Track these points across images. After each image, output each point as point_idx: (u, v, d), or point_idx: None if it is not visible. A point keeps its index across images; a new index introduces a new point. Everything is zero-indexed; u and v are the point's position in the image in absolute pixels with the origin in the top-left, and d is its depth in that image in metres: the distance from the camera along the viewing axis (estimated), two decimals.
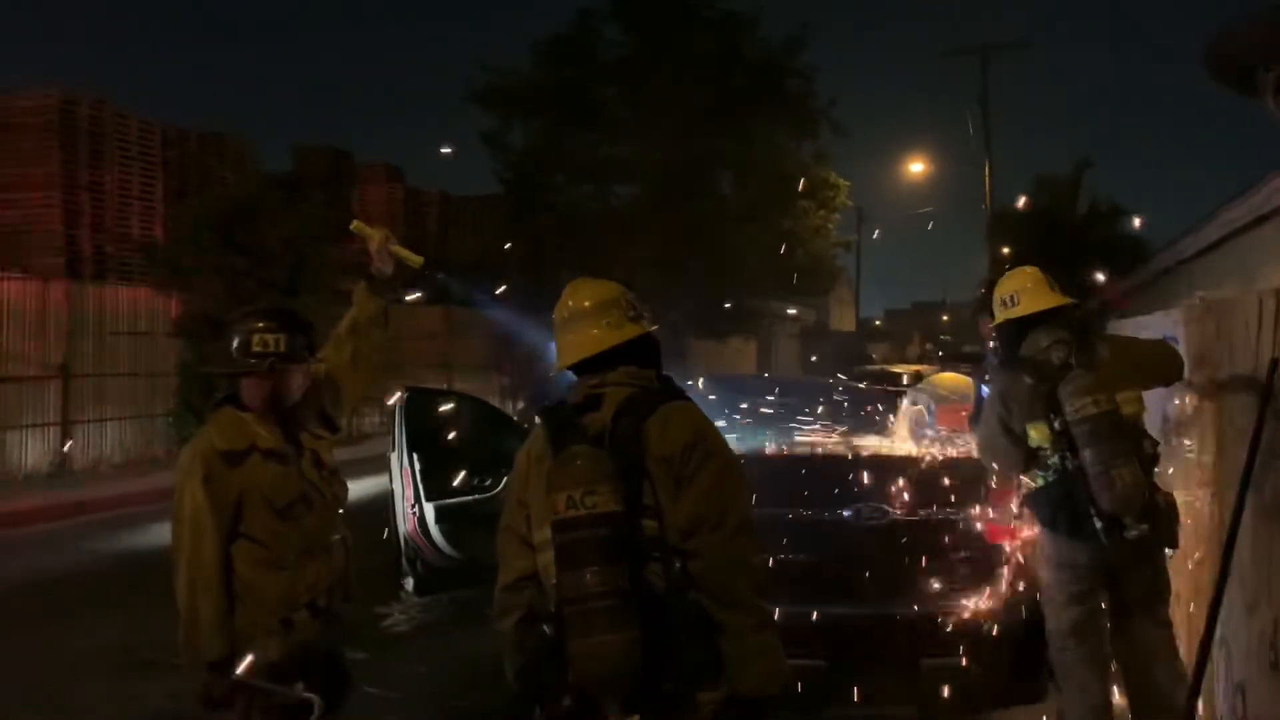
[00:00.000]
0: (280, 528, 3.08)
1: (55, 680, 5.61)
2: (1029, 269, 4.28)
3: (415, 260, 3.45)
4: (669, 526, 2.28)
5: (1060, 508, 3.93)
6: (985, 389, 5.01)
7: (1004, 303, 4.21)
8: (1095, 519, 3.81)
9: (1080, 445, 3.80)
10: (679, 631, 2.24)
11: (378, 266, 3.45)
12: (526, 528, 2.45)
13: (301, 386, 3.23)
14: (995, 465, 4.27)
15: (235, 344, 3.13)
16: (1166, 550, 4.03)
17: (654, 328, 2.58)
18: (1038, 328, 4.09)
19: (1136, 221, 17.51)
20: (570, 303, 2.57)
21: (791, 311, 38.35)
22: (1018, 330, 4.16)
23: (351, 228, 3.61)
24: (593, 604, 2.14)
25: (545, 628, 2.35)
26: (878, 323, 60.30)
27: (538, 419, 2.48)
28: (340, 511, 3.34)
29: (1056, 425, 3.90)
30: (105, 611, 6.95)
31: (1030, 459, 4.06)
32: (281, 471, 3.12)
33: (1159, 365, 4.12)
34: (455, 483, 6.83)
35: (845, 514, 4.12)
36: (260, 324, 3.14)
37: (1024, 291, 4.16)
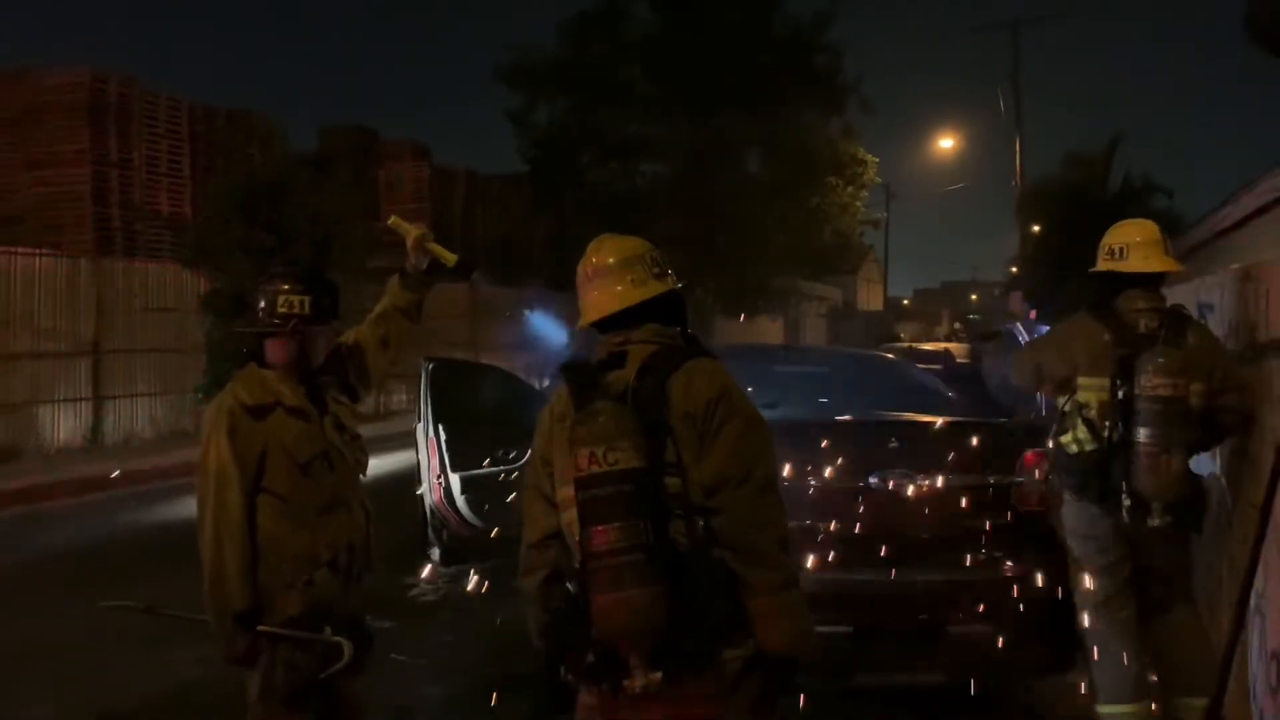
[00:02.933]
0: (302, 482, 3.11)
1: (88, 648, 5.67)
2: (1147, 223, 4.12)
3: (450, 258, 3.50)
4: (692, 484, 2.27)
5: (1093, 476, 3.86)
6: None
7: (1110, 252, 4.06)
8: (1125, 496, 3.75)
9: (1141, 422, 3.70)
10: (702, 589, 2.22)
11: (413, 262, 3.50)
12: (550, 486, 2.43)
13: (325, 348, 3.27)
14: (1016, 380, 4.22)
15: (261, 304, 3.17)
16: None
17: (679, 285, 2.54)
18: (1136, 288, 3.97)
19: (1169, 199, 17.30)
20: (594, 259, 2.53)
21: (819, 291, 38.17)
22: (1113, 284, 4.04)
23: (389, 223, 3.64)
24: (617, 559, 2.13)
25: (569, 585, 2.35)
26: (906, 302, 60.00)
27: (561, 376, 2.45)
28: (362, 477, 3.36)
29: (1120, 393, 3.80)
30: (136, 582, 7.00)
31: (1067, 417, 3.99)
32: (304, 428, 3.15)
33: (1234, 394, 3.82)
34: (480, 454, 6.84)
35: (872, 481, 4.08)
36: (286, 286, 3.17)
37: (1134, 246, 4.00)
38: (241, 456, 3.04)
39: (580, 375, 2.40)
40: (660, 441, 2.26)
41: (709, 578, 2.25)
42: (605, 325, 2.49)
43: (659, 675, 2.18)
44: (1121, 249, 4.02)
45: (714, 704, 2.30)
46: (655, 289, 2.47)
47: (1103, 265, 4.09)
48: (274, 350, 3.19)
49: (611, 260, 2.50)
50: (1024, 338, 4.68)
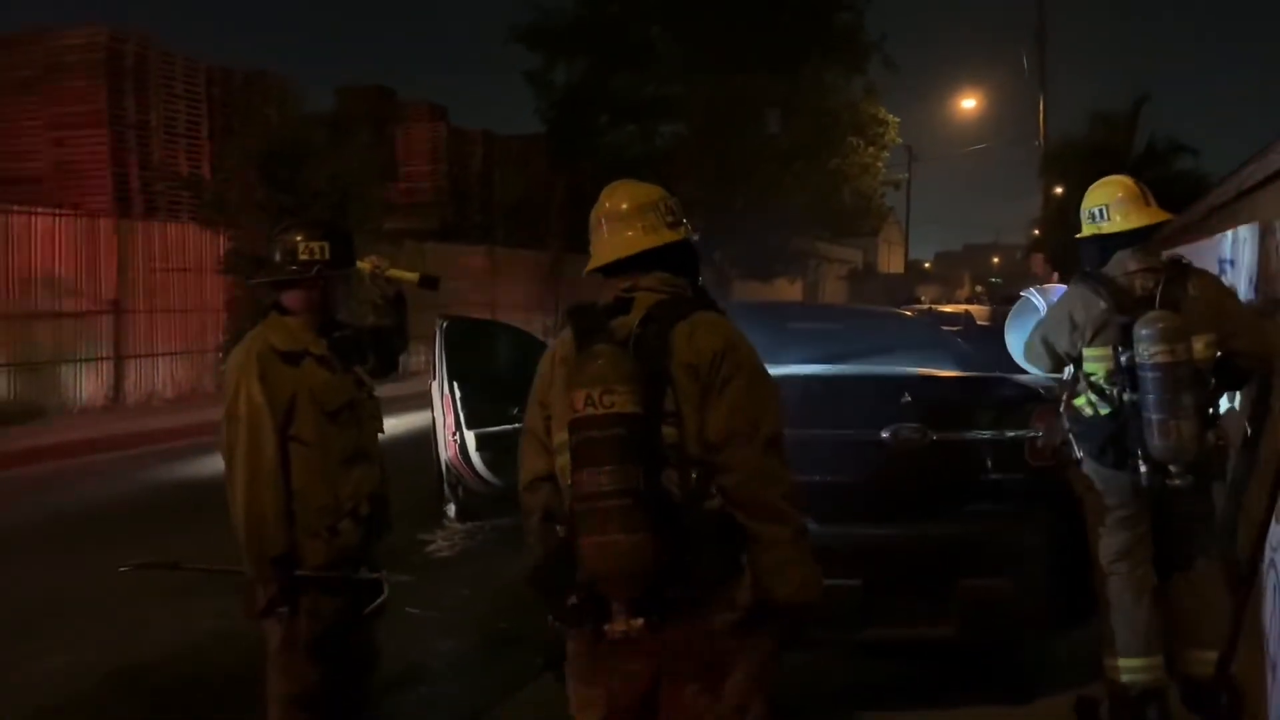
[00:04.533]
0: (329, 430, 3.11)
1: (106, 602, 5.75)
2: (1121, 179, 4.01)
3: (411, 277, 3.56)
4: (688, 435, 2.25)
5: (1111, 442, 3.82)
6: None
7: (1091, 216, 3.98)
8: (1142, 461, 3.72)
9: (1145, 390, 3.63)
10: (692, 541, 2.21)
11: (381, 292, 3.51)
12: (545, 430, 2.42)
13: (344, 297, 3.28)
14: (1030, 366, 4.18)
15: (280, 253, 3.15)
16: None
17: (694, 235, 2.51)
18: (1127, 249, 3.88)
19: (1195, 158, 17.06)
20: (607, 204, 2.50)
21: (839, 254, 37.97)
22: (1102, 248, 3.96)
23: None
24: (605, 503, 2.11)
25: (558, 528, 2.34)
26: (927, 265, 59.61)
27: (566, 319, 2.44)
28: (380, 435, 3.38)
29: (1123, 360, 3.74)
30: (158, 537, 7.10)
31: (1080, 381, 3.96)
32: (331, 378, 3.15)
33: (1248, 333, 3.77)
34: (495, 411, 6.87)
35: (884, 435, 4.05)
36: (303, 233, 3.17)
37: (1115, 205, 3.90)
38: (273, 401, 3.02)
39: (585, 319, 2.38)
40: (660, 390, 2.23)
41: (700, 530, 2.23)
42: (615, 270, 2.47)
43: (640, 622, 2.16)
44: (1102, 210, 3.94)
45: (699, 660, 2.29)
46: (667, 237, 2.44)
47: (1087, 231, 4.01)
48: (294, 300, 3.17)
49: (625, 205, 2.47)
50: (1040, 303, 4.60)
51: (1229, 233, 4.76)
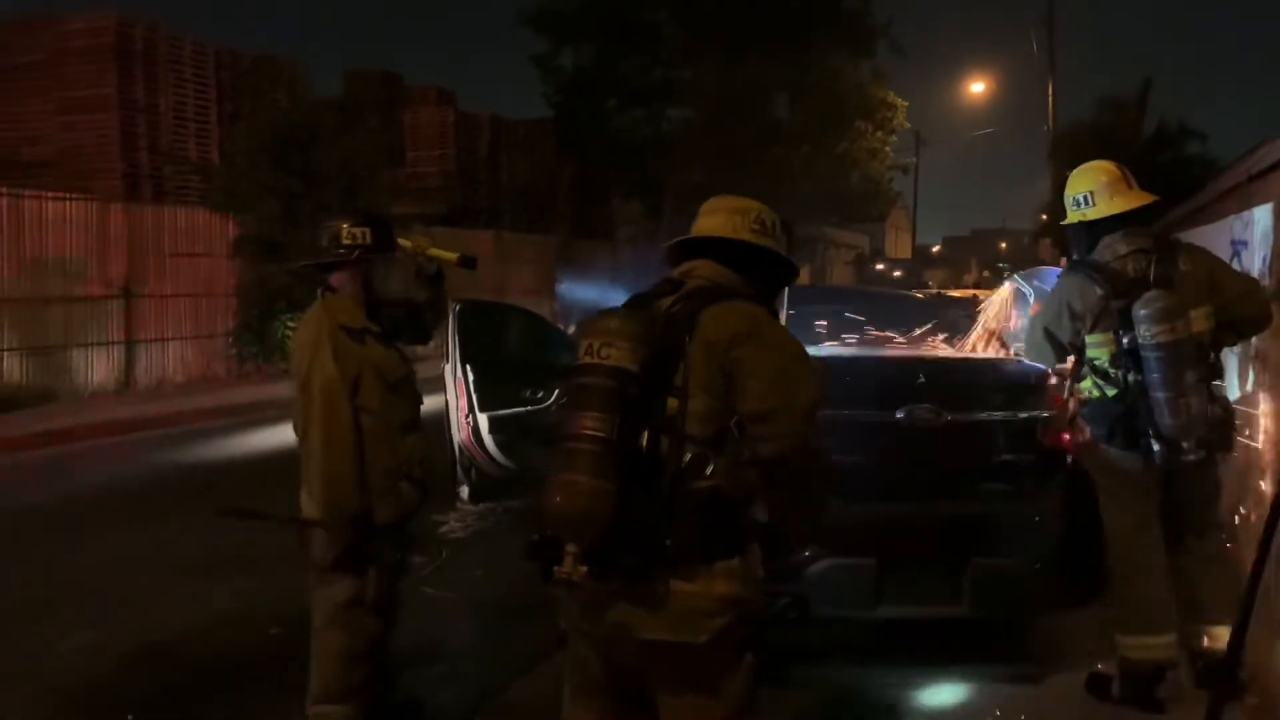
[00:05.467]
0: (391, 399, 3.40)
1: (123, 581, 5.81)
2: (1103, 164, 4.03)
3: (451, 257, 3.87)
4: (689, 414, 2.28)
5: (1120, 423, 3.84)
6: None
7: (1076, 202, 4.00)
8: (1153, 440, 3.74)
9: (1150, 370, 3.66)
10: (664, 514, 2.23)
11: (423, 268, 3.84)
12: None
13: (385, 279, 3.52)
14: (1036, 362, 4.21)
15: (325, 239, 3.44)
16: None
17: (779, 249, 2.57)
18: (1116, 232, 3.89)
19: (1204, 143, 16.95)
20: (715, 199, 2.64)
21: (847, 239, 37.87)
22: (1091, 233, 3.97)
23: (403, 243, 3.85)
24: (578, 444, 2.17)
25: None
26: (935, 249, 59.42)
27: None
28: (420, 404, 3.67)
29: (1125, 343, 3.76)
30: (169, 519, 7.16)
31: (1085, 366, 3.97)
32: (388, 352, 3.45)
33: (1244, 299, 3.84)
34: (508, 394, 6.91)
35: (898, 415, 4.08)
36: (347, 221, 3.43)
37: (1099, 190, 3.93)
38: (345, 373, 3.28)
39: (637, 298, 2.50)
40: (673, 363, 2.29)
41: (681, 505, 2.25)
42: (684, 257, 2.56)
43: (585, 569, 2.18)
44: (1086, 197, 3.96)
45: (660, 630, 2.26)
46: (744, 235, 2.52)
47: (1072, 217, 4.03)
48: (341, 281, 3.45)
49: (720, 204, 2.61)
50: (1029, 291, 4.62)
51: (1242, 214, 4.77)
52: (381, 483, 3.35)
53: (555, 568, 2.20)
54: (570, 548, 2.19)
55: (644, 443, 2.25)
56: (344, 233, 3.40)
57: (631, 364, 2.22)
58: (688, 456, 2.27)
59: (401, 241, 3.66)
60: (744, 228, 2.52)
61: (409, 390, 3.51)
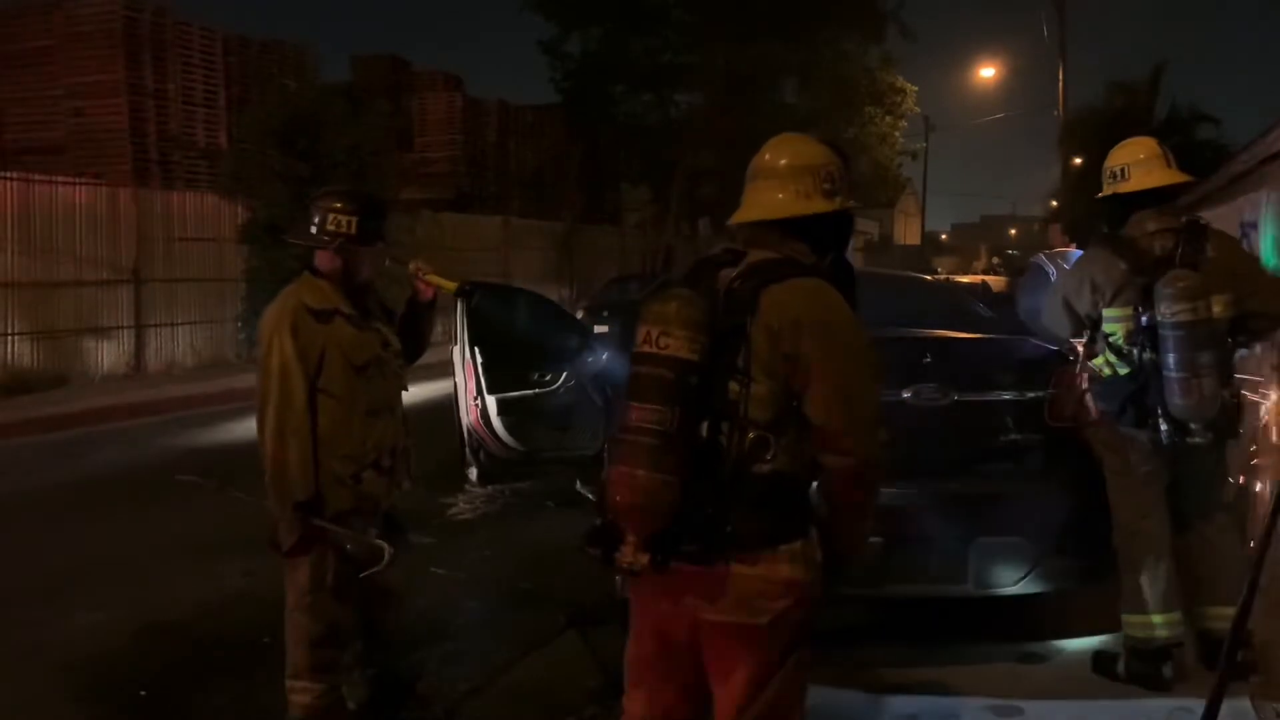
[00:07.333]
0: (355, 383, 3.31)
1: (134, 561, 5.85)
2: (1145, 139, 4.03)
3: (449, 286, 3.86)
4: (752, 397, 2.20)
5: (1131, 401, 3.84)
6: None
7: (1112, 175, 3.98)
8: (1162, 419, 3.74)
9: (1167, 349, 3.66)
10: (727, 499, 2.19)
11: (421, 294, 3.80)
12: None
13: (371, 267, 3.47)
14: (1051, 331, 4.21)
15: (315, 219, 3.39)
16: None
17: (849, 204, 2.42)
18: (1147, 208, 3.87)
19: (1216, 127, 16.86)
20: (767, 156, 2.42)
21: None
22: (1123, 207, 3.95)
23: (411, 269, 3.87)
24: (638, 437, 2.14)
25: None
26: (944, 236, 59.24)
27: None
28: (404, 391, 3.59)
29: (1144, 320, 3.76)
30: (178, 501, 7.21)
31: (1098, 342, 3.97)
32: (358, 335, 3.36)
33: (1269, 295, 3.81)
34: (516, 376, 6.91)
35: (905, 395, 4.08)
36: (338, 205, 3.39)
37: (1136, 165, 3.91)
38: (304, 355, 3.22)
39: (703, 265, 2.38)
40: (735, 346, 2.20)
41: (742, 491, 2.20)
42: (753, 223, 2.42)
43: (646, 558, 2.18)
44: (1123, 169, 3.94)
45: (721, 613, 2.24)
46: (817, 206, 2.35)
47: (1107, 190, 4.02)
48: (323, 260, 3.41)
49: (783, 163, 2.39)
50: (1052, 271, 4.60)
51: (1252, 195, 4.75)
52: (339, 469, 3.27)
53: (615, 555, 2.20)
54: (631, 536, 2.19)
55: (704, 430, 2.19)
56: (330, 218, 3.35)
57: (690, 353, 2.15)
58: (749, 440, 2.21)
59: (408, 265, 3.71)
60: (816, 191, 2.35)
61: (380, 374, 3.41)
